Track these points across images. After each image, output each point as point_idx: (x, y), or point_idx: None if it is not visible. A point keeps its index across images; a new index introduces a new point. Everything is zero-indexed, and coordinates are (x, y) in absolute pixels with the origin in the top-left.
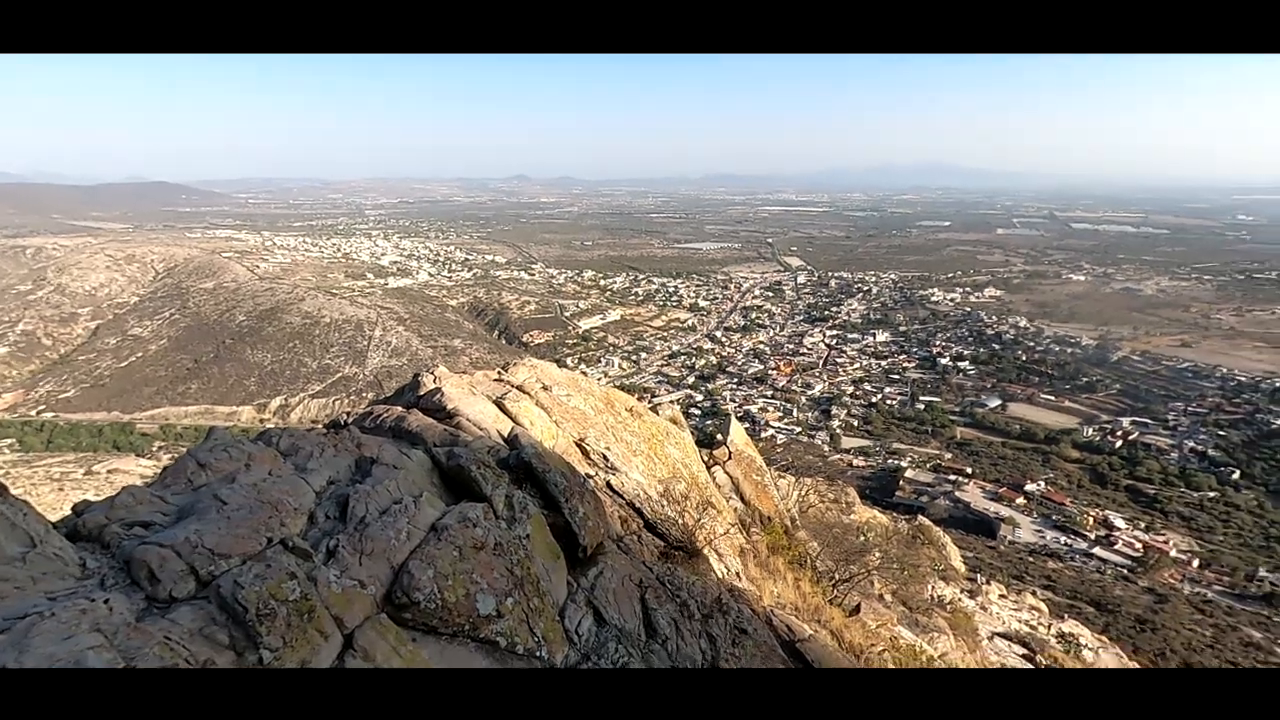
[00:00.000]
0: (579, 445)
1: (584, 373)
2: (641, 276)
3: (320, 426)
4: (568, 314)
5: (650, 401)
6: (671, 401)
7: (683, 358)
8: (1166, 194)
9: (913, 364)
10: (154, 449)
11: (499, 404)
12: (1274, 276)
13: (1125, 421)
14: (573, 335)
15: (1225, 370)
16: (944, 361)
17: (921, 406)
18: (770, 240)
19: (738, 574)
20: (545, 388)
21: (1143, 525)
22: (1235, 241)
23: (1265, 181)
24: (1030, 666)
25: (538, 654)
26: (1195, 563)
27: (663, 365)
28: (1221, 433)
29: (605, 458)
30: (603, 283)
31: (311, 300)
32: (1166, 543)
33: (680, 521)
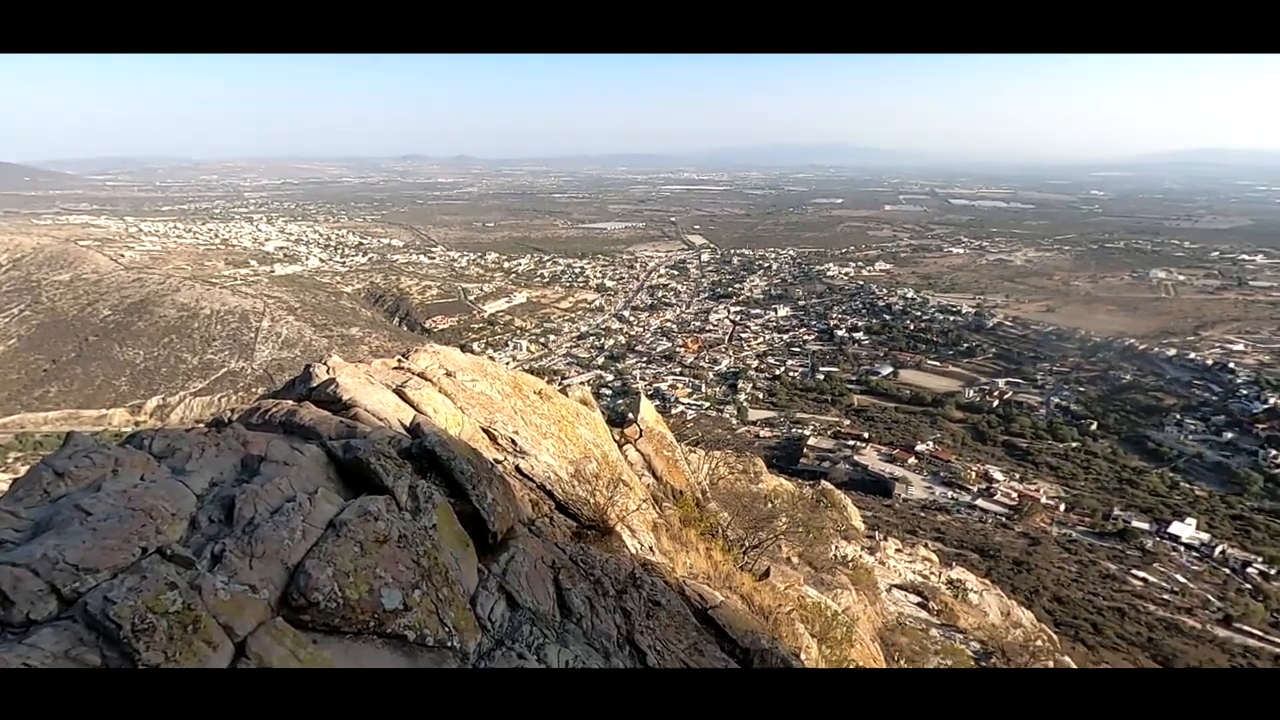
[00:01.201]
0: (486, 431)
1: (491, 357)
2: (546, 258)
3: (201, 426)
4: (472, 298)
5: (560, 383)
6: (582, 383)
7: (591, 338)
8: (1032, 171)
9: (812, 336)
10: (9, 460)
11: (399, 392)
12: (1122, 246)
13: (1001, 383)
14: (478, 319)
15: (1084, 332)
16: (840, 333)
17: (821, 377)
18: (673, 219)
19: (651, 548)
20: (449, 374)
21: (1018, 476)
22: (1090, 215)
23: (1115, 159)
24: (927, 614)
25: (449, 644)
26: (1062, 507)
27: (572, 347)
28: (1081, 389)
29: (514, 442)
30: (507, 265)
31: (188, 291)
32: (1038, 491)
33: (592, 501)
